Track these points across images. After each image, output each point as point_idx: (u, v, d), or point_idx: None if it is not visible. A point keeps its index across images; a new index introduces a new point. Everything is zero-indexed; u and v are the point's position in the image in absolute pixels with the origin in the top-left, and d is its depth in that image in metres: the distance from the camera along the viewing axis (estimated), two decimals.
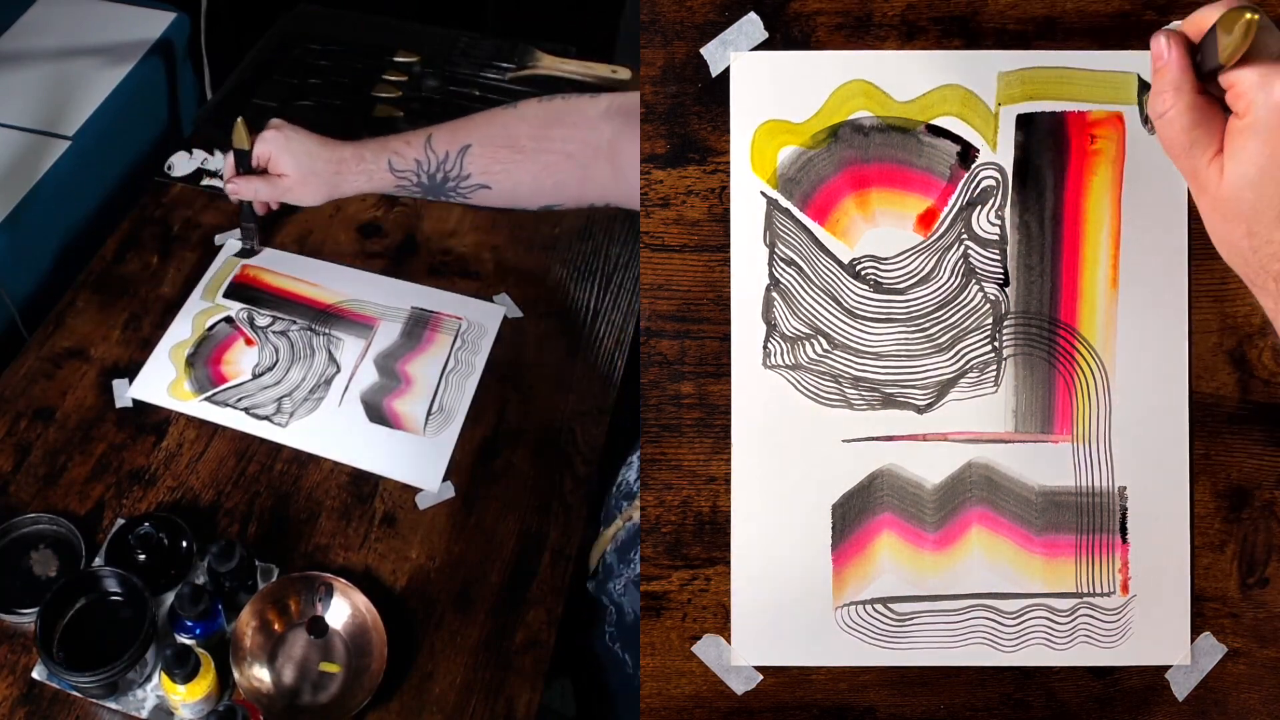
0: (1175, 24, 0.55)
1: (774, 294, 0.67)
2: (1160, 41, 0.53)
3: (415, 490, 1.06)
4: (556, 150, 1.01)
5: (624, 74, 1.52)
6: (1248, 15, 0.47)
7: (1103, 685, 0.68)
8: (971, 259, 0.67)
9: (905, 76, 0.66)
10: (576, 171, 1.01)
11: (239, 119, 1.14)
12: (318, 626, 0.93)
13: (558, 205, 1.06)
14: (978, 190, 0.67)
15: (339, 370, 1.14)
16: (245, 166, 1.15)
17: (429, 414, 1.12)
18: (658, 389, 0.67)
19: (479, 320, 1.22)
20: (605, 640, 1.04)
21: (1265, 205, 0.49)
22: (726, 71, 0.66)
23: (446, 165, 1.05)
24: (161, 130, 1.49)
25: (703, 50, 0.66)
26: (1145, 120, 0.65)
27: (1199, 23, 0.52)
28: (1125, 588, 0.68)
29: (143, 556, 0.94)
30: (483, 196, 1.07)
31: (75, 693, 0.89)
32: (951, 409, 0.67)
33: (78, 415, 1.09)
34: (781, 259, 0.67)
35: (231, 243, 1.26)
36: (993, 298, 0.67)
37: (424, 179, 1.07)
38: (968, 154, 0.66)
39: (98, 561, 0.96)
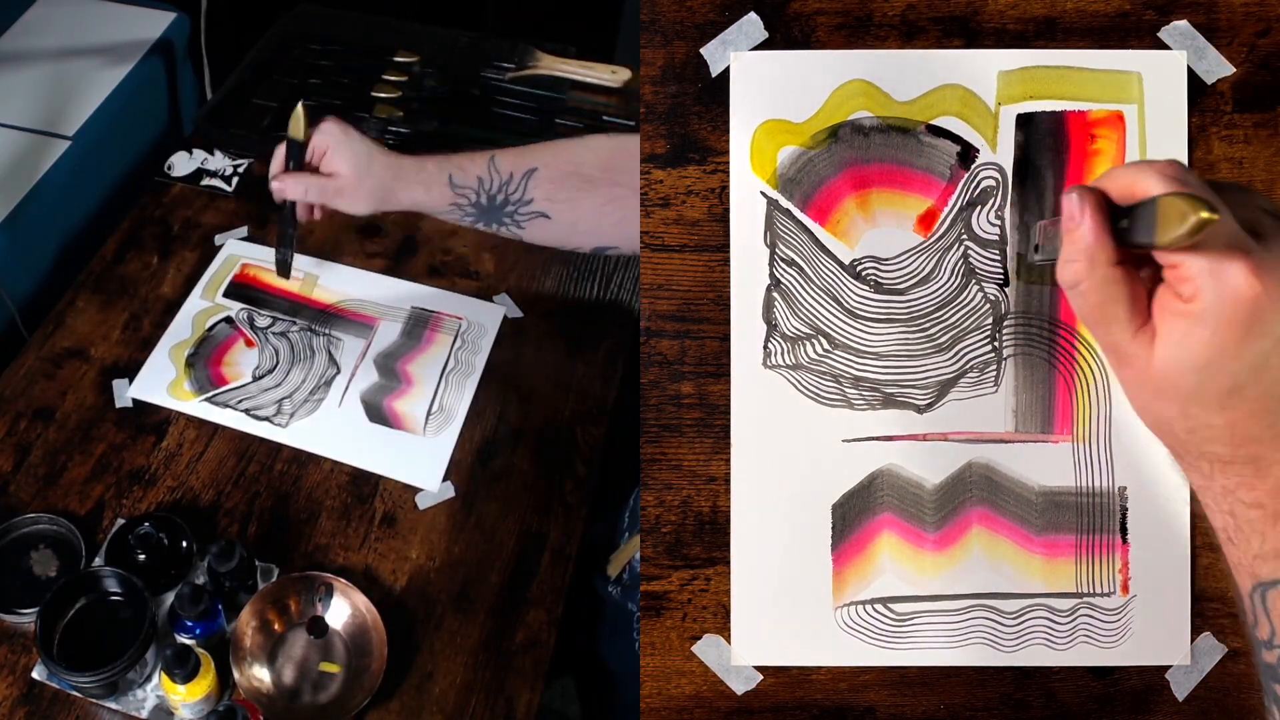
0: (1096, 181, 0.48)
1: (775, 294, 0.67)
2: (1073, 201, 0.48)
3: (415, 490, 1.06)
4: (624, 184, 0.95)
5: (624, 74, 1.52)
6: (1203, 214, 0.41)
7: (1103, 685, 0.68)
8: (971, 259, 0.67)
9: (905, 76, 0.66)
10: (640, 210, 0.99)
11: (300, 104, 1.00)
12: (318, 626, 0.93)
13: (612, 249, 1.00)
14: (978, 190, 0.67)
15: (339, 371, 1.14)
16: (297, 161, 1.02)
17: (429, 414, 1.12)
18: (658, 389, 0.67)
19: (479, 320, 1.22)
20: (635, 648, 1.03)
21: (1208, 391, 0.46)
22: (726, 71, 0.66)
23: (510, 187, 0.99)
24: (161, 130, 1.49)
25: (703, 50, 0.66)
26: (1031, 253, 0.53)
27: (1125, 185, 0.47)
28: (1125, 588, 0.68)
29: (143, 556, 0.94)
30: (539, 227, 1.00)
31: (75, 693, 0.89)
32: (951, 409, 0.67)
33: (78, 415, 1.09)
34: (782, 259, 0.67)
35: (232, 242, 1.26)
36: (993, 298, 0.67)
37: (483, 199, 1.00)
38: (968, 154, 0.66)
39: (98, 561, 0.96)
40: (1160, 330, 0.47)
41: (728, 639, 0.68)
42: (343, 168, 1.00)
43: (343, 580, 0.95)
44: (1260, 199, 0.48)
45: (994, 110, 0.66)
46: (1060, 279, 0.49)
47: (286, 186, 1.01)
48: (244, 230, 1.28)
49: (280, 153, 1.02)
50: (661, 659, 0.68)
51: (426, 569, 1.01)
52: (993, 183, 0.67)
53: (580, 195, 0.97)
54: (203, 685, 0.86)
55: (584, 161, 0.98)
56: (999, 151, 0.66)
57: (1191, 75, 0.66)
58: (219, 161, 1.35)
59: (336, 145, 1.00)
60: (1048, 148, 0.66)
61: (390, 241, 1.29)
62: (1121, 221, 0.47)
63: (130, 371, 1.13)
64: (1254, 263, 0.43)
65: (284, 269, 1.09)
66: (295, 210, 1.05)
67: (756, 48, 0.66)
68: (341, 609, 0.95)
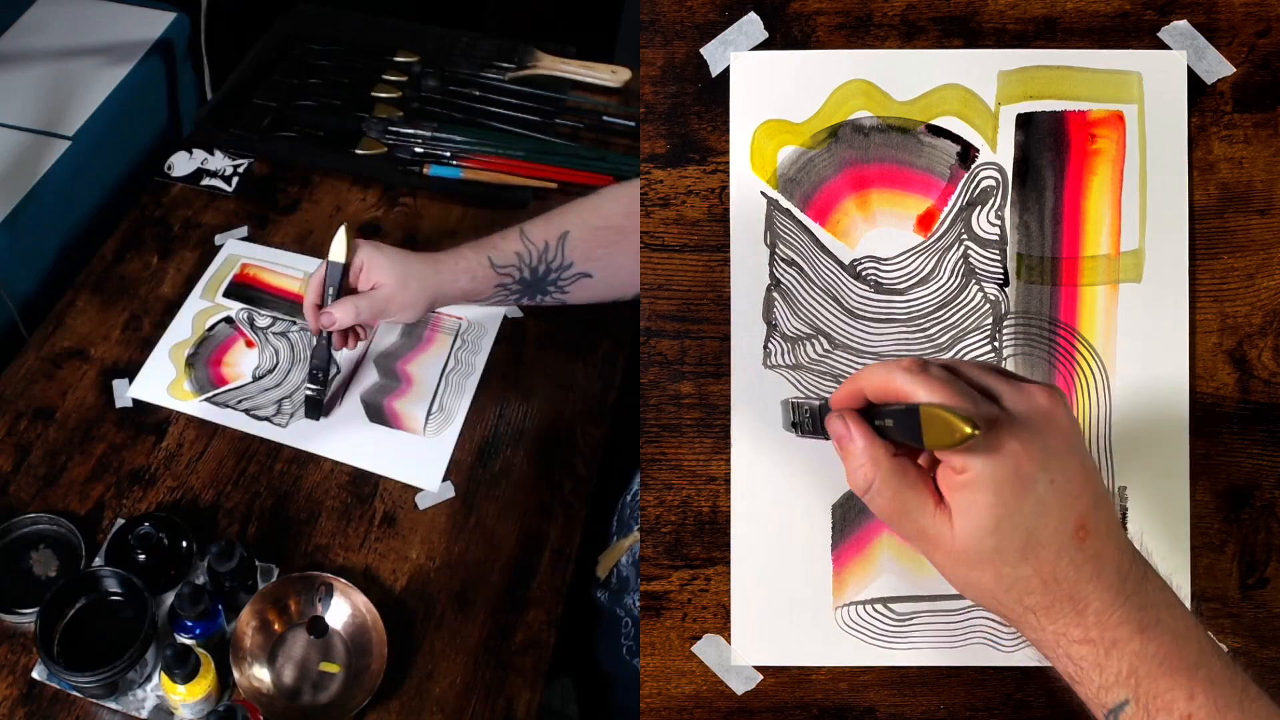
0: (844, 388, 0.54)
1: (775, 294, 0.67)
2: (837, 425, 0.53)
3: (415, 490, 1.06)
4: None
5: (624, 74, 1.52)
6: (967, 429, 0.46)
7: None
8: (971, 259, 0.67)
9: (905, 76, 0.66)
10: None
11: (343, 227, 0.98)
12: (318, 626, 0.93)
13: None
14: (978, 190, 0.67)
15: (339, 370, 1.14)
16: (338, 286, 0.97)
17: (429, 414, 1.12)
18: (658, 389, 0.67)
19: (479, 320, 1.22)
20: (623, 654, 1.03)
21: (1007, 546, 0.49)
22: (726, 71, 0.66)
23: (548, 255, 0.98)
24: (161, 130, 1.49)
25: (703, 50, 0.66)
26: (794, 427, 0.62)
27: (878, 387, 0.52)
28: None
29: (143, 556, 0.94)
30: (582, 288, 1.00)
31: (75, 693, 0.89)
32: None
33: (78, 415, 1.09)
34: (782, 259, 0.67)
35: (232, 242, 1.26)
36: (993, 298, 0.67)
37: (526, 274, 0.99)
38: (968, 154, 0.66)
39: (98, 561, 0.96)
40: (951, 504, 0.50)
41: (728, 639, 0.68)
42: (384, 278, 0.97)
43: (343, 580, 0.95)
44: (982, 365, 0.52)
45: (994, 110, 0.66)
46: (854, 487, 0.53)
47: (338, 315, 0.96)
48: (244, 230, 1.28)
49: (316, 281, 0.98)
50: (661, 659, 0.68)
51: (426, 569, 1.01)
52: (993, 182, 0.67)
53: (615, 247, 0.97)
54: (203, 685, 0.86)
55: (611, 213, 0.98)
56: (999, 151, 0.66)
57: (1191, 75, 0.66)
58: (219, 161, 1.35)
59: (371, 258, 0.98)
60: (1048, 148, 0.66)
61: (390, 241, 1.28)
62: (885, 420, 0.52)
63: (130, 371, 1.13)
64: (1002, 425, 0.49)
65: (316, 409, 1.06)
66: (331, 341, 1.02)
67: (756, 48, 0.66)
68: (341, 609, 0.95)
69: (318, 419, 1.08)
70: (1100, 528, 0.50)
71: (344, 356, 1.15)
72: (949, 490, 0.50)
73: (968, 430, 0.46)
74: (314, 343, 1.00)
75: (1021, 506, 0.49)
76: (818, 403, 0.59)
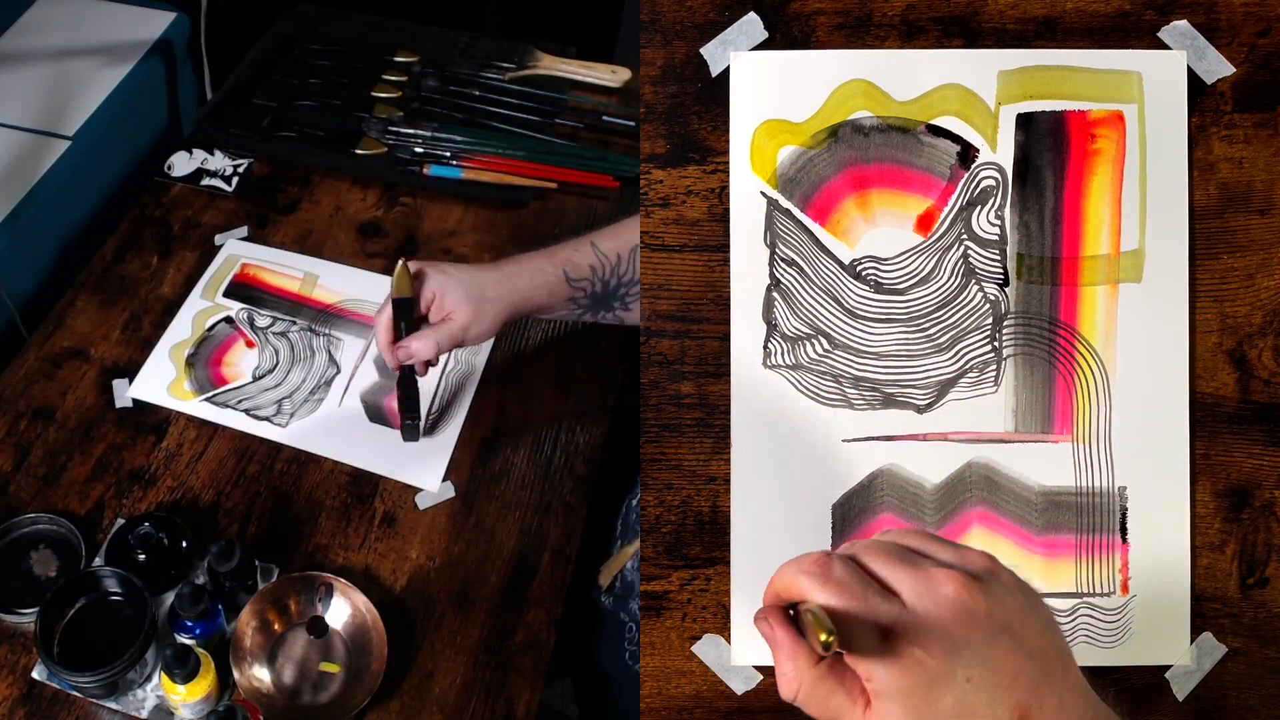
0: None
1: (775, 294, 0.67)
2: (762, 627, 0.49)
3: (415, 490, 1.06)
4: None
5: (624, 74, 1.52)
6: (823, 637, 0.43)
7: (1102, 685, 0.68)
8: (971, 259, 0.67)
9: (905, 76, 0.66)
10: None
11: (401, 262, 0.94)
12: (318, 626, 0.93)
13: None
14: (978, 190, 0.67)
15: (339, 371, 1.14)
16: (408, 320, 0.95)
17: (429, 414, 1.12)
18: (658, 389, 0.67)
19: None
20: (625, 659, 1.03)
21: None
22: (726, 71, 0.66)
23: (620, 269, 0.96)
24: (161, 130, 1.49)
25: (703, 50, 0.66)
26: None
27: (783, 589, 0.49)
28: (1125, 588, 0.68)
29: (143, 556, 0.94)
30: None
31: (75, 693, 0.89)
32: (951, 409, 0.67)
33: (78, 415, 1.09)
34: (782, 259, 0.67)
35: (232, 242, 1.26)
36: (992, 298, 0.67)
37: (598, 287, 0.98)
38: (968, 154, 0.66)
39: (98, 561, 0.96)
40: (872, 709, 0.47)
41: (728, 639, 0.68)
42: (459, 306, 0.95)
43: (343, 580, 0.95)
44: (895, 548, 0.48)
45: (994, 110, 0.66)
46: (783, 695, 0.49)
47: (416, 351, 0.95)
48: (244, 230, 1.28)
49: (385, 321, 0.96)
50: (661, 659, 0.68)
51: (426, 569, 1.01)
52: (993, 182, 0.67)
53: None
54: (203, 685, 0.85)
55: None
56: (999, 151, 0.66)
57: (1191, 75, 0.66)
58: (219, 161, 1.35)
59: (444, 287, 0.95)
60: (1048, 147, 0.66)
61: (390, 241, 1.29)
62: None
63: (130, 371, 1.13)
64: (902, 629, 0.45)
65: (415, 435, 1.05)
66: (412, 372, 1.00)
67: (756, 48, 0.66)
68: (341, 609, 0.95)
69: (416, 440, 1.06)
70: (1047, 708, 0.46)
71: (346, 359, 1.15)
72: (870, 695, 0.47)
73: (823, 637, 0.44)
74: (395, 376, 1.01)
75: (937, 711, 0.45)
76: None
